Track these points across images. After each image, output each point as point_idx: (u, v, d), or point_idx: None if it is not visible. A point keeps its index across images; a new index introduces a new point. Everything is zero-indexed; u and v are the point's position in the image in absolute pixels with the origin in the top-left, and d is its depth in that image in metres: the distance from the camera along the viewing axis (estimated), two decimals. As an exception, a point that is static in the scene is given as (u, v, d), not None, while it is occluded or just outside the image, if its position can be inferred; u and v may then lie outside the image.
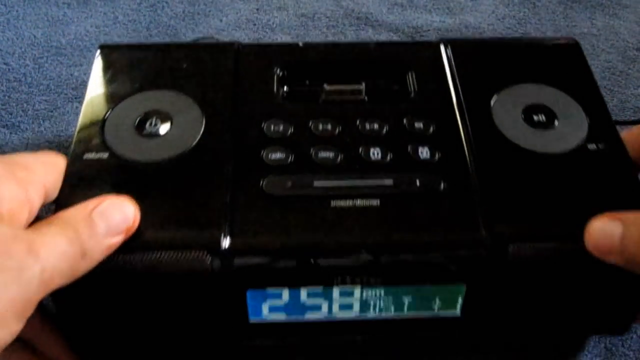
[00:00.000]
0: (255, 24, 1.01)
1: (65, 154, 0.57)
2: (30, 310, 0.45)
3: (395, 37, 1.00)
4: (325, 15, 1.02)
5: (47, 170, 0.53)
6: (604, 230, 0.51)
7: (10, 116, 0.87)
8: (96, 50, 0.68)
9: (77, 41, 0.97)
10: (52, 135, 0.85)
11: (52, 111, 0.88)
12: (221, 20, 1.01)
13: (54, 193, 0.54)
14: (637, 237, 0.49)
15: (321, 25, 1.01)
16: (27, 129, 0.85)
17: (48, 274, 0.45)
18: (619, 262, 0.50)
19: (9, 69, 0.93)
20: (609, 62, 0.96)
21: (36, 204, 0.50)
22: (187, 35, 0.99)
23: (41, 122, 0.86)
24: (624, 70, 0.96)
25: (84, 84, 0.89)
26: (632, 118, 0.89)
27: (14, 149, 0.83)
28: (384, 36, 1.00)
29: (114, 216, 0.50)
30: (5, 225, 0.46)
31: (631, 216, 0.51)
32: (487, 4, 1.05)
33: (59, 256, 0.46)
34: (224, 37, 0.99)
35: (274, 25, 1.01)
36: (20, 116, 0.87)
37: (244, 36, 0.99)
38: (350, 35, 1.00)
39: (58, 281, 0.46)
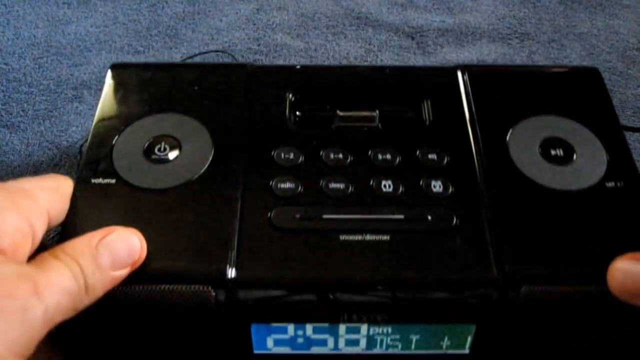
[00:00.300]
0: (255, 24, 1.00)
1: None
2: (31, 349, 0.43)
3: (395, 37, 0.99)
4: (325, 15, 1.02)
5: (51, 196, 0.51)
6: (630, 271, 0.48)
7: (10, 116, 0.86)
8: (108, 69, 0.67)
9: (77, 41, 0.97)
10: (52, 135, 0.84)
11: (52, 111, 0.87)
12: (221, 20, 1.01)
13: (58, 218, 0.52)
14: None
15: (321, 25, 1.00)
16: (27, 129, 0.85)
17: (51, 313, 0.43)
18: None
19: (9, 69, 0.93)
20: (609, 62, 0.96)
21: (39, 232, 0.48)
22: (188, 35, 0.98)
23: (41, 122, 0.86)
24: (624, 70, 0.95)
25: (84, 84, 0.89)
26: (632, 118, 0.88)
27: (14, 149, 0.82)
28: (384, 36, 0.99)
29: (120, 249, 0.48)
30: (8, 263, 0.44)
31: None
32: (487, 4, 1.05)
33: (62, 294, 0.44)
34: (224, 37, 0.98)
35: (274, 25, 1.00)
36: (20, 116, 0.86)
37: (244, 36, 0.98)
38: (350, 35, 0.99)
39: (60, 318, 0.45)
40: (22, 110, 0.87)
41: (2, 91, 0.89)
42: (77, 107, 0.87)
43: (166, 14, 1.01)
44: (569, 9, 1.04)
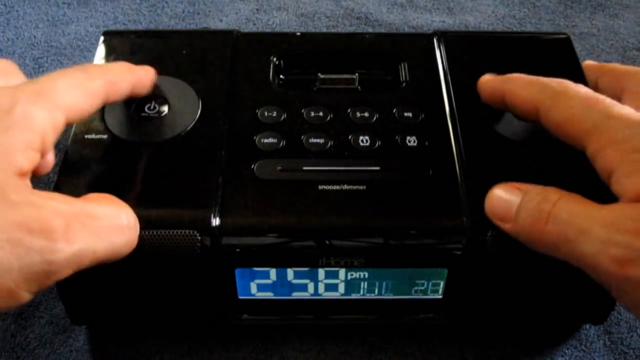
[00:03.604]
0: (255, 24, 1.04)
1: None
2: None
3: (395, 37, 1.02)
4: (325, 15, 1.05)
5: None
6: (503, 197, 0.55)
7: (10, 116, 0.89)
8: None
9: (77, 41, 1.00)
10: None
11: (52, 111, 0.90)
12: (221, 20, 1.04)
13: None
14: (531, 209, 0.52)
15: (321, 25, 1.04)
16: (27, 128, 0.88)
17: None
18: (512, 230, 0.54)
19: (9, 69, 0.96)
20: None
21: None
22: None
23: (41, 121, 0.89)
24: (624, 70, 0.98)
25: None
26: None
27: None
28: (383, 36, 1.02)
29: None
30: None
31: (532, 188, 0.54)
32: (487, 4, 1.08)
33: None
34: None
35: (274, 25, 1.04)
36: (21, 116, 0.89)
37: (244, 36, 1.01)
38: (349, 35, 1.02)
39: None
40: (22, 110, 0.90)
41: (3, 91, 0.93)
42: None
43: (166, 14, 1.04)
44: (569, 9, 1.07)
